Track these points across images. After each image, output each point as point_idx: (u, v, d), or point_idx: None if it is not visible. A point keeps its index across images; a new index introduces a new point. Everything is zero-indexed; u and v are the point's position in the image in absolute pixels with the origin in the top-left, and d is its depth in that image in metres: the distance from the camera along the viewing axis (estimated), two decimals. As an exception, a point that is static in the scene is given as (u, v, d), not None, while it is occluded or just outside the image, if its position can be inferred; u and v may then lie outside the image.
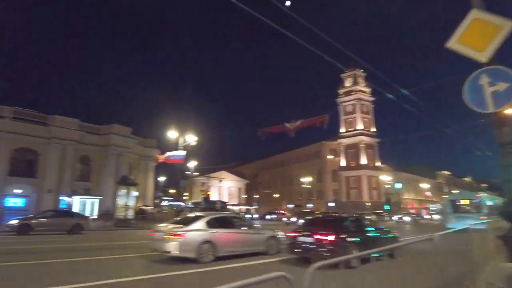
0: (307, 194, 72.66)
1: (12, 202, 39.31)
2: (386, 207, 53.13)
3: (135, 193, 33.37)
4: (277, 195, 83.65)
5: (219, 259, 9.34)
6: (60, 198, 36.90)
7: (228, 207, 53.80)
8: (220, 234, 9.76)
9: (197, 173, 56.99)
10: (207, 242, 9.30)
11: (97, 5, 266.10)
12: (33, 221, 17.13)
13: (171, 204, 55.67)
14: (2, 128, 36.89)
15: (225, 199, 68.75)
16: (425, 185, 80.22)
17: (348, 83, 73.36)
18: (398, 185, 64.35)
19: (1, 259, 9.27)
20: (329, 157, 73.94)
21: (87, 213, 28.84)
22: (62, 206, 35.34)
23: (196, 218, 10.12)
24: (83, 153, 43.22)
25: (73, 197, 31.13)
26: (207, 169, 60.23)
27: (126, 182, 29.53)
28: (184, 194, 61.93)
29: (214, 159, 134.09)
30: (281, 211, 56.39)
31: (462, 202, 23.62)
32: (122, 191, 28.61)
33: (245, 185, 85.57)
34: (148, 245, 10.22)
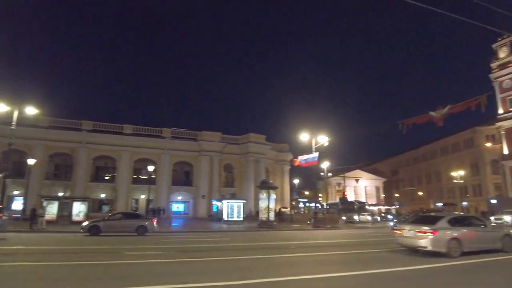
0: (460, 190, 63.03)
1: (176, 207, 46.88)
2: None
3: (274, 196, 35.15)
4: (422, 193, 75.34)
5: (463, 254, 10.44)
6: (213, 202, 41.95)
7: (366, 207, 51.30)
8: (464, 231, 10.98)
9: (330, 174, 56.38)
10: (454, 239, 10.53)
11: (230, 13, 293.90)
12: (101, 223, 18.70)
13: (307, 206, 56.49)
14: (164, 146, 44.51)
15: (362, 199, 65.93)
16: None
17: (502, 53, 60.76)
18: None
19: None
20: (486, 144, 62.46)
21: (235, 215, 31.78)
22: (214, 209, 40.06)
23: (437, 218, 11.47)
24: (227, 161, 48.23)
25: (222, 201, 34.82)
26: (341, 169, 58.92)
27: (265, 185, 31.35)
28: (319, 195, 62.09)
29: (349, 158, 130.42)
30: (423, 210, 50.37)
31: None
32: (263, 195, 30.48)
33: (383, 183, 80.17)
34: (396, 241, 11.93)
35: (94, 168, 43.57)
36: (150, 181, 37.50)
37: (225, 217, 32.09)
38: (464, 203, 54.84)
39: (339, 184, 69.31)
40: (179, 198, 46.43)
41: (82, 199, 30.50)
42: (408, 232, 11.26)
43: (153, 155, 43.83)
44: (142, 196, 42.31)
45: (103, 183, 43.38)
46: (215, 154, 46.59)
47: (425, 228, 10.74)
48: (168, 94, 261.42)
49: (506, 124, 59.09)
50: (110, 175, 44.32)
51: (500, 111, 60.38)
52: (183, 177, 48.22)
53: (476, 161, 65.06)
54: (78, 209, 28.88)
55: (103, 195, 42.59)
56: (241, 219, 32.70)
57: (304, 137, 30.07)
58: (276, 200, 43.76)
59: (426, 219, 12.11)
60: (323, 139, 30.38)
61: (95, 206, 38.72)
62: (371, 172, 79.98)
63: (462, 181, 57.68)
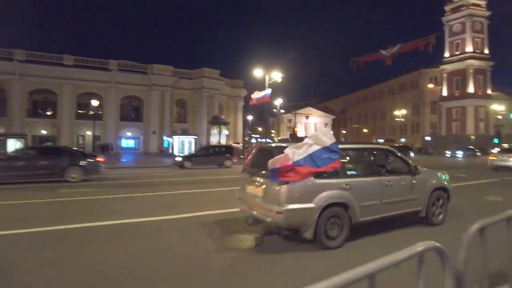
0: (400, 128, 67.96)
1: (125, 143, 45.62)
2: (495, 141, 46.74)
3: (226, 132, 35.27)
4: (367, 130, 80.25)
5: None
6: (164, 138, 41.35)
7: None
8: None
9: (283, 111, 57.34)
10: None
11: None
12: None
13: (259, 141, 57.86)
14: (110, 79, 41.57)
15: (312, 135, 68.64)
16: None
17: (457, -4, 62.03)
18: (514, 115, 55.42)
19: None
20: (429, 86, 66.48)
21: (185, 151, 31.78)
22: (165, 145, 39.64)
23: None
24: (179, 97, 46.73)
25: (173, 137, 34.40)
26: (293, 106, 60.14)
27: (217, 121, 31.21)
28: (271, 131, 63.64)
29: (301, 96, 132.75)
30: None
31: None
32: (215, 130, 30.47)
33: (333, 120, 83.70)
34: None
35: (31, 103, 39.99)
36: (96, 117, 35.52)
37: (176, 153, 31.95)
38: (402, 140, 59.54)
39: (290, 120, 71.11)
40: (129, 134, 45.02)
41: (18, 135, 28.15)
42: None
43: (98, 89, 40.96)
44: (89, 133, 40.29)
45: (44, 119, 40.35)
46: (167, 89, 44.73)
47: None
48: (116, 24, 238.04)
49: (449, 67, 62.69)
50: (51, 110, 41.11)
51: (447, 54, 63.49)
52: (132, 113, 46.33)
53: (418, 101, 69.54)
54: (14, 146, 26.87)
55: (44, 132, 39.84)
56: (193, 154, 32.84)
57: (258, 73, 29.61)
58: (228, 135, 44.20)
59: None
60: (277, 76, 30.15)
61: (35, 144, 36.32)
62: (322, 110, 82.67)
63: (403, 120, 61.96)
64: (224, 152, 23.56)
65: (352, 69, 25.84)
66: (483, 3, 60.48)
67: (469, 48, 60.40)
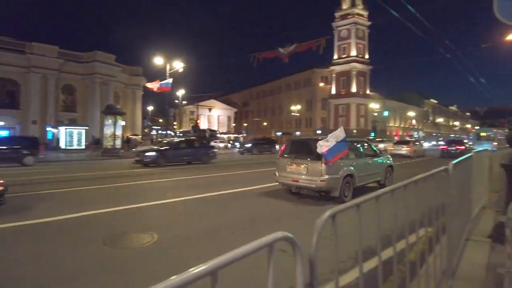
0: (296, 122, 73.23)
1: (-5, 134, 38.69)
2: (372, 135, 54.20)
3: (122, 122, 32.90)
4: (266, 123, 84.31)
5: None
6: (47, 129, 36.32)
7: (218, 135, 54.24)
8: None
9: (185, 102, 56.12)
10: None
11: None
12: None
13: (159, 133, 55.66)
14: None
15: (214, 127, 69.05)
16: (412, 113, 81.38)
17: (345, 5, 69.14)
18: (385, 113, 65.03)
19: None
20: (320, 84, 72.99)
21: (74, 143, 28.61)
22: (48, 137, 34.95)
23: None
24: (66, 82, 41.57)
25: (59, 127, 30.51)
26: (196, 98, 59.27)
27: (112, 111, 28.78)
28: (174, 123, 61.76)
29: (204, 88, 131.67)
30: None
31: (482, 134, 35.70)
32: (109, 121, 28.08)
33: (235, 113, 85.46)
34: None
35: None
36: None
37: (62, 146, 28.50)
38: (298, 133, 64.37)
39: (192, 112, 70.13)
40: (2, 123, 38.30)
41: None
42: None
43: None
44: None
45: None
46: (51, 72, 39.29)
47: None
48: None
49: (337, 68, 69.77)
50: None
51: (335, 56, 70.43)
52: (6, 98, 39.46)
53: (311, 98, 75.77)
54: None
55: None
56: (83, 147, 29.72)
57: (158, 61, 28.27)
58: (126, 127, 41.29)
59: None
60: (178, 65, 29.27)
61: None
62: (225, 102, 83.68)
63: (298, 114, 66.88)
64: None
65: (252, 63, 26.68)
66: (365, 14, 68.65)
67: (353, 52, 68.15)
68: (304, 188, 8.04)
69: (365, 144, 9.77)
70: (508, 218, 2.37)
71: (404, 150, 26.06)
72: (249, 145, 34.19)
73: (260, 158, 26.23)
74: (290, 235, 1.03)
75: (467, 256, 3.88)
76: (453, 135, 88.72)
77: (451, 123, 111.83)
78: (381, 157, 9.89)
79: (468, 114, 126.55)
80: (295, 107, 64.35)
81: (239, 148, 35.95)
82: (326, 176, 7.52)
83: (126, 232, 5.25)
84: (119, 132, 27.48)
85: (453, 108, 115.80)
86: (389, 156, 11.20)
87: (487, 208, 6.34)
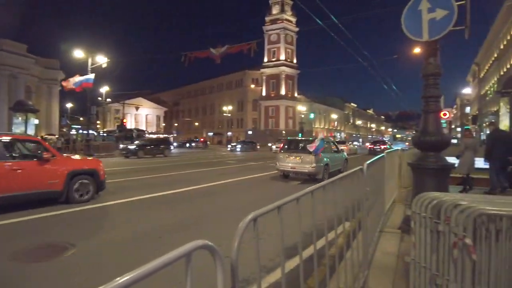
0: (228, 122, 73.49)
1: None
2: (300, 135, 56.84)
3: (35, 121, 29.60)
4: (198, 123, 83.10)
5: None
6: None
7: (145, 135, 51.90)
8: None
9: (109, 100, 52.65)
10: None
11: None
12: None
13: (80, 133, 51.27)
14: None
15: (142, 127, 65.98)
16: (335, 116, 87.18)
17: (275, 10, 71.37)
18: (312, 115, 68.71)
19: None
20: (251, 86, 74.30)
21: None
22: None
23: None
24: (-38, 72, 36.15)
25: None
26: (122, 95, 55.88)
27: (23, 108, 25.71)
28: (97, 122, 57.38)
29: (131, 85, 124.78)
30: (201, 139, 56.44)
31: (398, 136, 44.39)
32: (19, 119, 25.05)
33: (165, 112, 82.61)
34: None
35: None
36: None
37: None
38: (229, 133, 64.66)
39: (118, 111, 66.06)
40: None
41: None
42: None
43: None
44: None
45: None
46: None
47: None
48: None
49: (267, 71, 71.74)
50: None
51: (265, 59, 72.33)
52: None
53: (242, 99, 76.74)
54: None
55: None
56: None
57: (79, 54, 25.95)
58: (39, 126, 37.23)
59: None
60: (102, 60, 27.24)
61: None
62: (154, 101, 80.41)
63: (229, 115, 67.21)
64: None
65: (183, 62, 26.09)
66: (294, 20, 71.72)
67: (282, 56, 70.75)
68: (299, 173, 12.04)
69: (332, 144, 14.31)
70: (413, 212, 2.63)
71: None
72: (133, 146, 26.21)
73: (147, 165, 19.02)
74: (209, 243, 1.00)
75: (380, 246, 4.26)
76: (370, 136, 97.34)
77: (368, 125, 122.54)
78: (341, 153, 14.56)
79: (382, 117, 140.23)
80: (227, 108, 64.54)
81: (122, 148, 27.17)
82: (314, 164, 11.54)
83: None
84: (31, 132, 24.63)
85: (370, 111, 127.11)
86: (345, 152, 16.01)
87: (398, 202, 7.06)
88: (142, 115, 74.37)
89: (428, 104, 4.81)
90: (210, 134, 74.30)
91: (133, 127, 57.68)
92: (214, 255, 1.02)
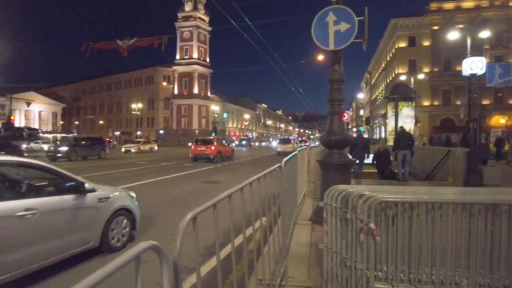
0: (137, 121, 69.63)
1: None
2: (213, 135, 57.00)
3: None
4: (102, 122, 76.87)
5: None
6: None
7: (40, 134, 46.07)
8: None
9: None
10: None
11: None
12: None
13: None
14: None
15: (35, 125, 58.34)
16: (247, 116, 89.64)
17: (188, 7, 69.97)
18: (225, 115, 69.51)
19: None
20: (163, 83, 71.67)
21: None
22: None
23: None
24: None
25: None
26: (10, 89, 48.39)
27: None
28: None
29: (21, 78, 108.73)
30: (107, 139, 52.25)
31: (312, 136, 53.03)
32: None
33: (63, 109, 74.26)
34: None
35: None
36: None
37: None
38: (139, 133, 61.29)
39: (3, 106, 57.06)
40: None
41: None
42: None
43: None
44: None
45: None
46: None
47: None
48: None
49: (180, 68, 70.00)
50: None
51: (178, 56, 70.45)
52: None
53: (153, 96, 73.59)
54: None
55: None
56: None
57: None
58: None
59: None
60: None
61: None
62: (49, 96, 71.66)
63: (139, 113, 63.77)
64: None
65: (85, 53, 23.93)
66: (207, 19, 71.37)
67: (195, 55, 69.85)
68: (289, 152, 13.56)
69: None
70: (325, 203, 2.94)
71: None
72: (64, 148, 21.59)
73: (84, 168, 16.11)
74: (157, 244, 1.01)
75: (295, 237, 4.60)
76: (279, 135, 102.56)
77: (278, 125, 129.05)
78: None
79: (290, 118, 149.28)
80: (136, 105, 61.09)
81: (48, 151, 22.49)
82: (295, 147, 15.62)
83: None
84: None
85: (279, 112, 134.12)
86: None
87: (307, 196, 7.66)
88: (35, 112, 65.65)
89: (333, 107, 5.36)
90: (117, 133, 69.40)
91: (23, 124, 50.62)
92: (160, 256, 1.03)
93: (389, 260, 2.61)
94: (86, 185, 3.99)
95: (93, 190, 4.11)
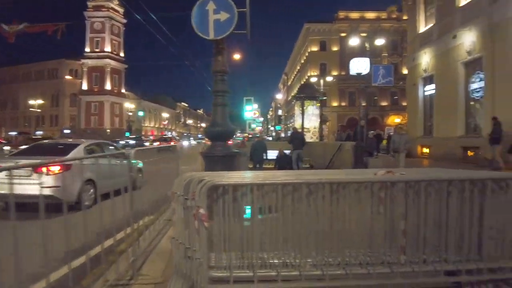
0: (37, 119, 62.05)
1: None
2: (127, 134, 53.71)
3: None
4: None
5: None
6: None
7: None
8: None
9: None
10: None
11: None
12: None
13: None
14: None
15: None
16: (166, 115, 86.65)
17: (98, -5, 64.47)
18: (141, 113, 66.13)
19: None
20: (68, 77, 65.08)
21: None
22: None
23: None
24: None
25: None
26: None
27: None
28: None
29: None
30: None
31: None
32: None
33: None
34: None
35: None
36: None
37: None
38: (39, 132, 54.70)
39: None
40: None
41: None
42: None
43: None
44: None
45: None
46: None
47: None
48: None
49: (90, 62, 64.28)
50: None
51: (87, 49, 64.57)
52: None
53: (58, 92, 66.42)
54: None
55: None
56: None
57: None
58: None
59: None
60: None
61: None
62: None
63: (39, 110, 56.97)
64: None
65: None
66: (121, 10, 66.60)
67: (107, 48, 64.87)
68: None
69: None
70: (172, 193, 2.74)
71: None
72: None
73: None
74: None
75: (169, 233, 4.37)
76: (200, 135, 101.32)
77: (198, 125, 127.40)
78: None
79: (210, 117, 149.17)
80: (36, 102, 54.38)
81: None
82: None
83: None
84: None
85: (200, 111, 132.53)
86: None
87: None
88: None
89: (217, 98, 5.24)
90: (13, 133, 60.92)
91: None
92: None
93: (226, 247, 2.52)
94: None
95: None
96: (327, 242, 2.59)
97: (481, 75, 13.59)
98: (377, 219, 2.65)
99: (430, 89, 17.54)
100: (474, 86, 14.36)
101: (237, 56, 29.46)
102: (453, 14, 15.09)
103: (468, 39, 13.93)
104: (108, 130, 60.15)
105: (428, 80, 17.93)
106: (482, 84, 13.59)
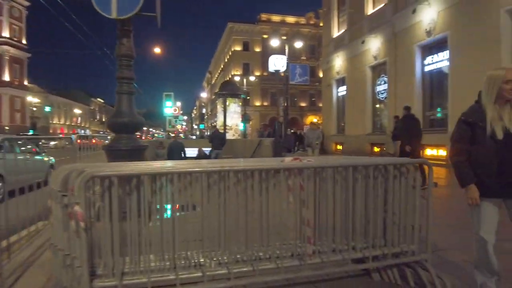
0: None
1: None
2: (31, 132, 47.64)
3: None
4: None
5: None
6: None
7: None
8: None
9: None
10: None
11: None
12: None
13: None
14: None
15: None
16: (78, 111, 79.25)
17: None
18: (48, 109, 59.32)
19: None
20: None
21: None
22: None
23: None
24: None
25: None
26: None
27: None
28: None
29: None
30: None
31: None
32: None
33: None
34: None
35: None
36: None
37: None
38: None
39: None
40: None
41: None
42: None
43: None
44: None
45: None
46: None
47: None
48: None
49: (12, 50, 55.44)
50: None
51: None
52: None
53: None
54: None
55: None
56: None
57: None
58: None
59: None
60: None
61: None
62: None
63: None
64: None
65: None
66: (21, -9, 58.86)
67: (6, 33, 56.56)
68: None
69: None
70: (50, 189, 2.27)
71: None
72: None
73: None
74: None
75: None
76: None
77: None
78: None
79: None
80: None
81: None
82: None
83: None
84: None
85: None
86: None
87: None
88: None
89: (122, 86, 4.69)
90: None
91: None
92: None
93: (115, 250, 2.14)
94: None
95: None
96: (233, 237, 2.38)
97: (385, 78, 14.99)
98: (287, 209, 2.53)
99: (343, 90, 18.88)
100: (379, 88, 15.80)
101: (157, 50, 28.10)
102: (362, 21, 16.41)
103: (374, 45, 15.26)
104: (7, 127, 52.57)
105: (340, 81, 19.28)
106: (386, 86, 14.99)
